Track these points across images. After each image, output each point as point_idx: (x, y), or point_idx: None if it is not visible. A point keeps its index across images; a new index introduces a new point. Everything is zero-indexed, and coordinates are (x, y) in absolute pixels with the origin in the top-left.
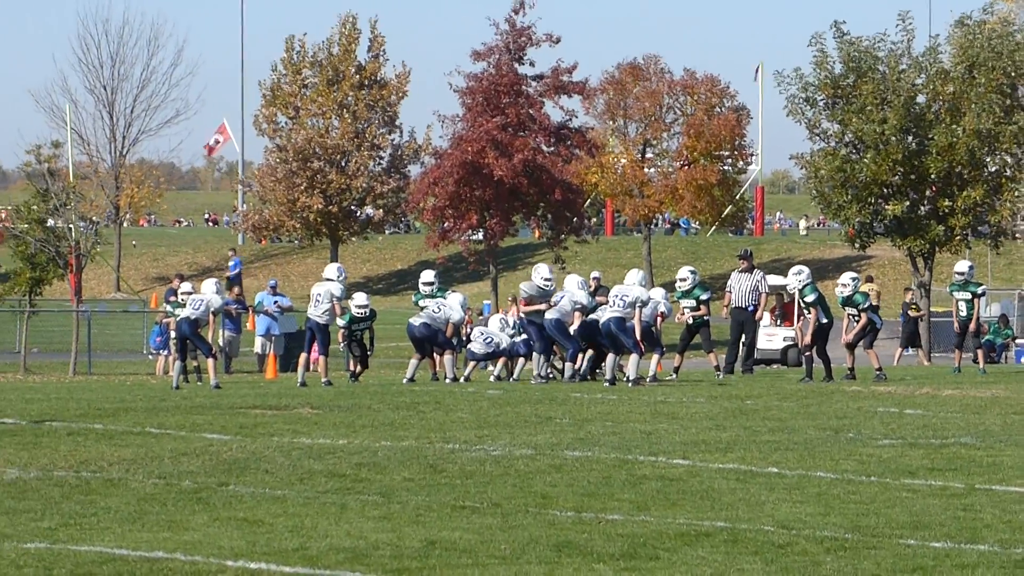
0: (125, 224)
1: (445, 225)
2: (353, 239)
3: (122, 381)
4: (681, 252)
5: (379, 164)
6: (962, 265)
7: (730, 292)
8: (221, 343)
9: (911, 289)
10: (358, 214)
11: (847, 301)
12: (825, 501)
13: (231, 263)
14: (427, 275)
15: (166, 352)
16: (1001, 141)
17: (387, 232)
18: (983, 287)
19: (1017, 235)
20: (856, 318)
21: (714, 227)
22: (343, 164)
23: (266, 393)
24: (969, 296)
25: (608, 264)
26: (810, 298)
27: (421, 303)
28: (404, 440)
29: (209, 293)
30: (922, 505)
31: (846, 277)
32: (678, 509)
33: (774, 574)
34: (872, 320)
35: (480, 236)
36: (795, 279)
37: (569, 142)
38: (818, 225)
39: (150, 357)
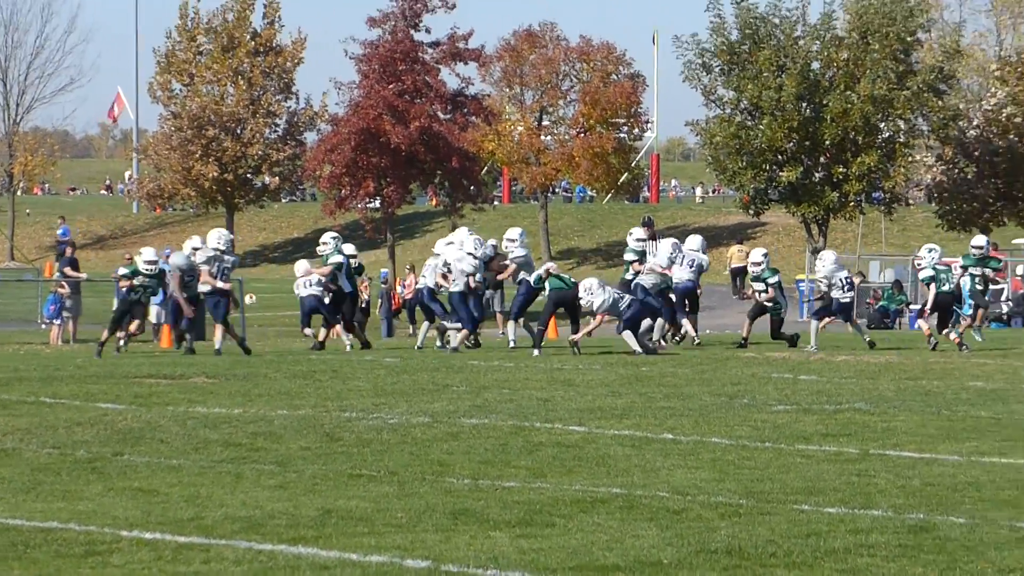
0: (19, 193)
1: (342, 193)
2: (249, 207)
3: (16, 350)
4: (577, 220)
5: (275, 131)
6: (980, 239)
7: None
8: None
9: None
10: (254, 182)
11: (757, 277)
12: (720, 467)
13: (59, 231)
14: (325, 236)
15: (59, 321)
16: (895, 107)
17: (283, 200)
18: (1000, 262)
19: (910, 201)
20: (764, 292)
21: (610, 195)
22: (238, 131)
23: (161, 362)
24: (981, 272)
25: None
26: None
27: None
28: (300, 409)
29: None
30: (816, 471)
31: (758, 255)
32: (574, 476)
33: (669, 540)
34: (778, 299)
35: (377, 204)
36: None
37: (466, 109)
38: (713, 192)
39: (43, 327)
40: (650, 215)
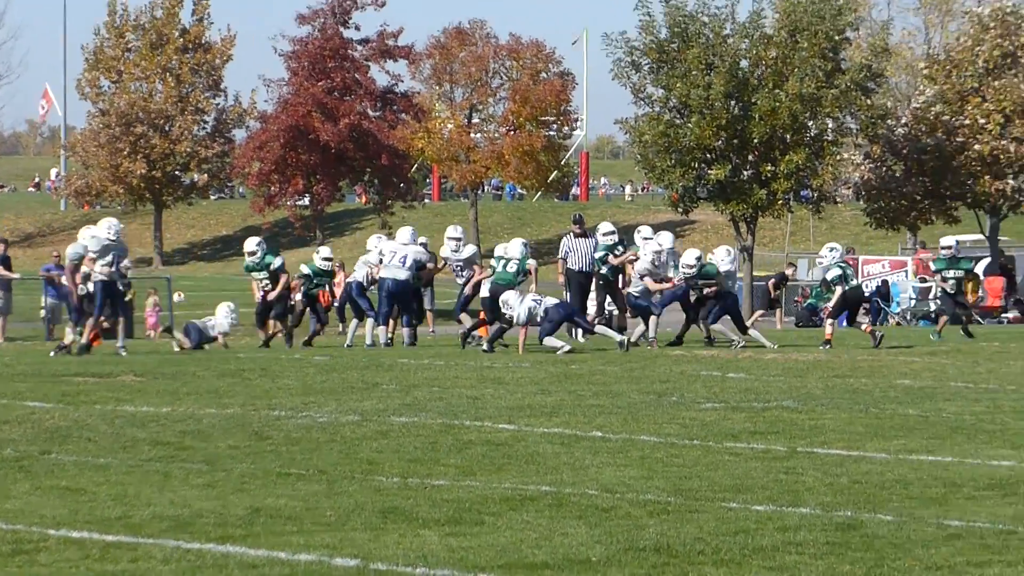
0: None
1: (271, 190)
2: (177, 204)
3: None
4: (507, 217)
5: (203, 128)
6: (948, 239)
7: (564, 258)
8: (43, 312)
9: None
10: (182, 179)
11: (692, 276)
12: (648, 465)
13: None
14: (250, 243)
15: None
16: (823, 105)
17: (212, 197)
18: (974, 261)
19: (838, 199)
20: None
21: (540, 192)
22: (167, 129)
23: (88, 360)
24: (962, 274)
25: (435, 230)
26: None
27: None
28: (229, 408)
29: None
30: (744, 468)
31: (691, 257)
32: (503, 474)
33: (598, 538)
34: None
35: (306, 201)
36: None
37: (395, 107)
38: (642, 190)
39: None
40: (580, 213)
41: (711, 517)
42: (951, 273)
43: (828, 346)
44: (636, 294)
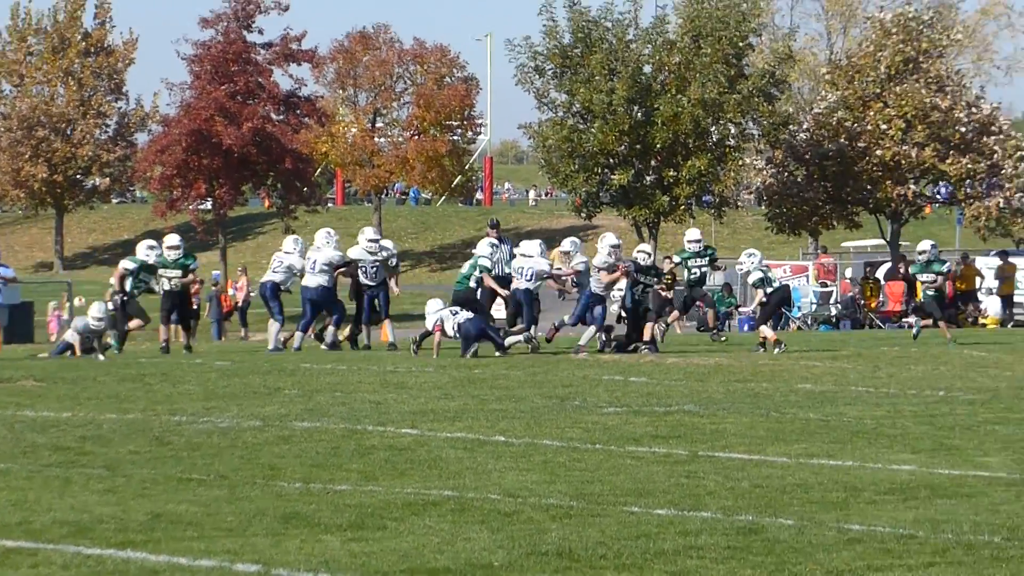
0: None
1: (173, 194)
2: (79, 208)
3: None
4: (412, 222)
5: (105, 132)
6: (924, 244)
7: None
8: None
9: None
10: (84, 183)
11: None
12: (551, 469)
13: None
14: (173, 238)
15: None
16: (725, 111)
17: (113, 201)
18: (948, 264)
19: (740, 204)
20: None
21: (444, 197)
22: (68, 132)
23: None
24: (934, 277)
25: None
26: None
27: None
28: (130, 413)
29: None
30: (646, 472)
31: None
32: (406, 479)
33: (500, 542)
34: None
35: (209, 205)
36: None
37: (299, 111)
38: (546, 195)
39: None
40: (495, 218)
41: (613, 521)
42: (925, 276)
43: (782, 347)
44: (596, 290)
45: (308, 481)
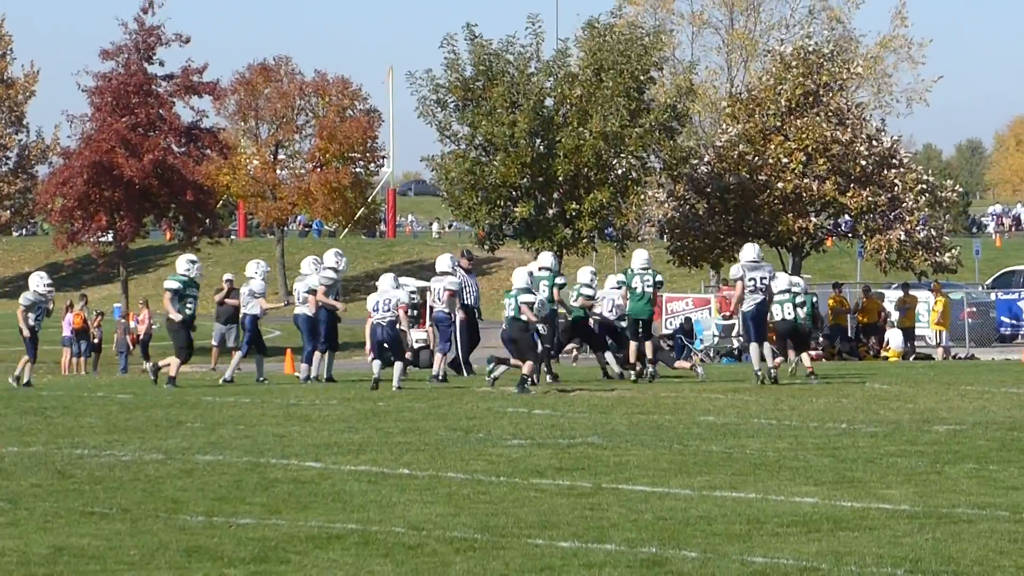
0: None
1: (74, 226)
2: None
3: None
4: (315, 254)
5: (5, 164)
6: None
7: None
8: None
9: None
10: None
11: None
12: (455, 501)
13: None
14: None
15: None
16: (627, 144)
17: (14, 234)
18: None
19: (642, 237)
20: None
21: (347, 229)
22: None
23: None
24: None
25: (241, 266)
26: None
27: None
28: (32, 446)
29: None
30: (550, 504)
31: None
32: (310, 512)
33: (404, 575)
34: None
35: (110, 238)
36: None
37: (200, 143)
38: (449, 227)
39: None
40: (468, 248)
41: (517, 554)
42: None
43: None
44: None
45: (211, 514)
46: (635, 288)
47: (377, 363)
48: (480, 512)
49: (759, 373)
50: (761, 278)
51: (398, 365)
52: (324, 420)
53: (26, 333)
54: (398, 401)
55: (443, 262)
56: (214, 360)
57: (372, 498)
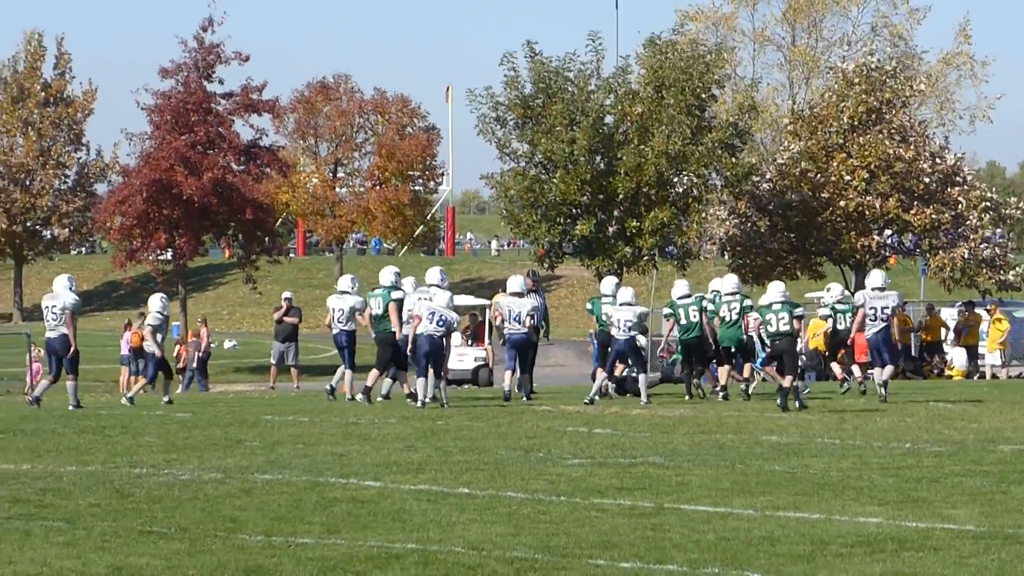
0: None
1: (133, 244)
2: (38, 259)
3: None
4: (373, 272)
5: (65, 182)
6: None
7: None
8: None
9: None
10: (43, 233)
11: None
12: (515, 521)
13: None
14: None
15: None
16: (689, 162)
17: (73, 252)
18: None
19: (703, 255)
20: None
21: (406, 247)
22: (28, 183)
23: None
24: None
25: (300, 285)
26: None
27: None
28: (90, 465)
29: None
30: (611, 525)
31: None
32: (369, 531)
33: None
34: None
35: (169, 256)
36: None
37: (259, 161)
38: (508, 245)
39: None
40: (534, 269)
41: (578, 574)
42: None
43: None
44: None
45: (270, 534)
46: (723, 316)
47: (422, 381)
48: (540, 532)
49: (883, 393)
50: (883, 308)
51: (434, 379)
52: (383, 439)
53: (158, 353)
54: (457, 420)
55: (514, 282)
56: (273, 379)
57: (432, 518)
